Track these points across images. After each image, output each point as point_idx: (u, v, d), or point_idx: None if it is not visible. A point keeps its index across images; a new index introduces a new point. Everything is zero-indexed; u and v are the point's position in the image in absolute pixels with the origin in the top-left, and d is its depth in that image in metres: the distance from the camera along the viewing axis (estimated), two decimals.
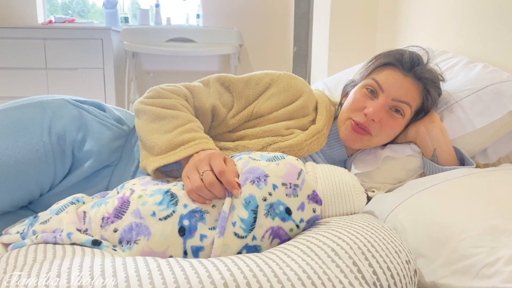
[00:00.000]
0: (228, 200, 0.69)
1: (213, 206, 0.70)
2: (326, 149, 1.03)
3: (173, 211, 0.69)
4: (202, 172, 0.71)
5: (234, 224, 0.67)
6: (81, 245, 0.66)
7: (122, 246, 0.67)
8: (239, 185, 0.70)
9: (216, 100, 0.94)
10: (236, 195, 0.69)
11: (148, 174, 0.88)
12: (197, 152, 0.79)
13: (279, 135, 0.95)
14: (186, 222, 0.68)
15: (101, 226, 0.69)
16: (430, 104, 0.99)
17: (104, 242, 0.67)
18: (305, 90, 0.99)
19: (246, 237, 0.67)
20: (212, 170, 0.72)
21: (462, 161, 0.97)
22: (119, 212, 0.70)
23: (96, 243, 0.66)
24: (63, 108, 0.87)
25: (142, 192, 0.73)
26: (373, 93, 0.96)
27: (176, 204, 0.70)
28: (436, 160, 0.96)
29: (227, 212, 0.67)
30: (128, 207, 0.71)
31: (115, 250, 0.67)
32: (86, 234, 0.69)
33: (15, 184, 0.79)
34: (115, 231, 0.68)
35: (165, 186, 0.75)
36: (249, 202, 0.68)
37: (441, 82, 1.00)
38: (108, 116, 0.93)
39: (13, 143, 0.79)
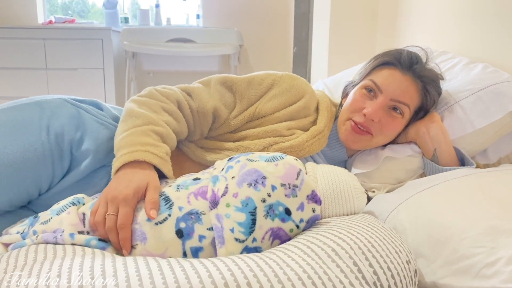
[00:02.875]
0: (212, 213, 0.68)
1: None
2: (327, 150, 1.03)
3: (169, 215, 0.68)
4: (108, 214, 0.68)
5: (232, 230, 0.66)
6: (81, 245, 0.66)
7: None
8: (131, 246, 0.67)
9: (217, 102, 0.94)
10: (124, 254, 0.66)
11: None
12: (132, 161, 0.76)
13: (281, 136, 0.95)
14: (182, 225, 0.67)
15: None
16: (429, 103, 0.98)
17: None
18: (307, 90, 0.99)
19: (246, 240, 0.67)
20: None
21: (462, 161, 0.97)
22: None
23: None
24: (61, 107, 0.87)
25: None
26: (372, 93, 0.96)
27: (171, 207, 0.69)
28: (436, 160, 0.96)
29: (216, 224, 0.67)
30: None
31: None
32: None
33: (14, 183, 0.79)
34: None
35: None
36: (247, 204, 0.68)
37: (440, 81, 1.00)
38: (106, 115, 0.92)
39: (11, 142, 0.79)
